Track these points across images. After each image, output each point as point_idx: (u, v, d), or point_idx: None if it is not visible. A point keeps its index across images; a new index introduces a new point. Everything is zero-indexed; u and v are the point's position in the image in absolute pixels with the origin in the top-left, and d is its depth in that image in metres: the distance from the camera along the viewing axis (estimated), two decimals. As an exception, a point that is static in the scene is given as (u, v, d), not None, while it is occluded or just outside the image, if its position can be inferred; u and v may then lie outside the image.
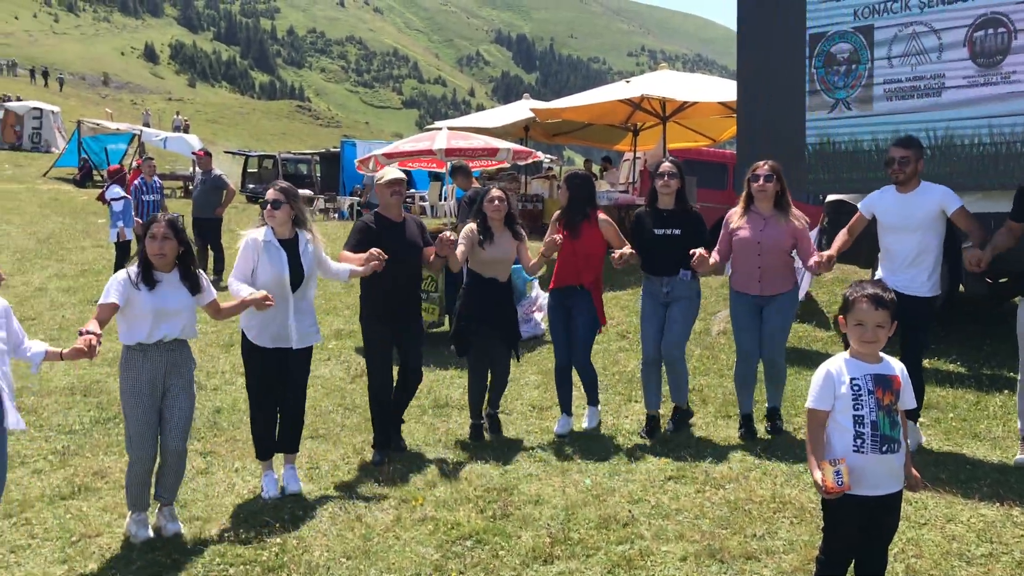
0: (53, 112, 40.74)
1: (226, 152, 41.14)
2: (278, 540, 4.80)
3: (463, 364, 8.57)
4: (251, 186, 30.95)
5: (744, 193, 6.34)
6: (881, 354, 3.58)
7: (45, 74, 75.58)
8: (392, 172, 6.24)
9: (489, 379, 6.68)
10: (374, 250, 5.73)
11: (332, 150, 31.32)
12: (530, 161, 12.74)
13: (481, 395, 6.62)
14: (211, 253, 13.21)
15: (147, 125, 45.68)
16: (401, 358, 6.33)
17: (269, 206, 5.39)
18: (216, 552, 4.68)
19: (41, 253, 15.54)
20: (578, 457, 6.05)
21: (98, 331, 4.38)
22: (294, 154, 33.85)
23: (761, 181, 6.16)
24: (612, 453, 6.10)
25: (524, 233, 6.67)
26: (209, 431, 6.82)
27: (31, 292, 12.41)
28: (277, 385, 5.54)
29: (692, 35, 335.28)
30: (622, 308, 10.57)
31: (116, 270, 10.83)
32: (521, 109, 17.11)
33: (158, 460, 4.92)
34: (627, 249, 6.32)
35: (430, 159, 11.15)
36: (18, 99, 46.40)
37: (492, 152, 10.36)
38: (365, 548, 4.70)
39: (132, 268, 4.77)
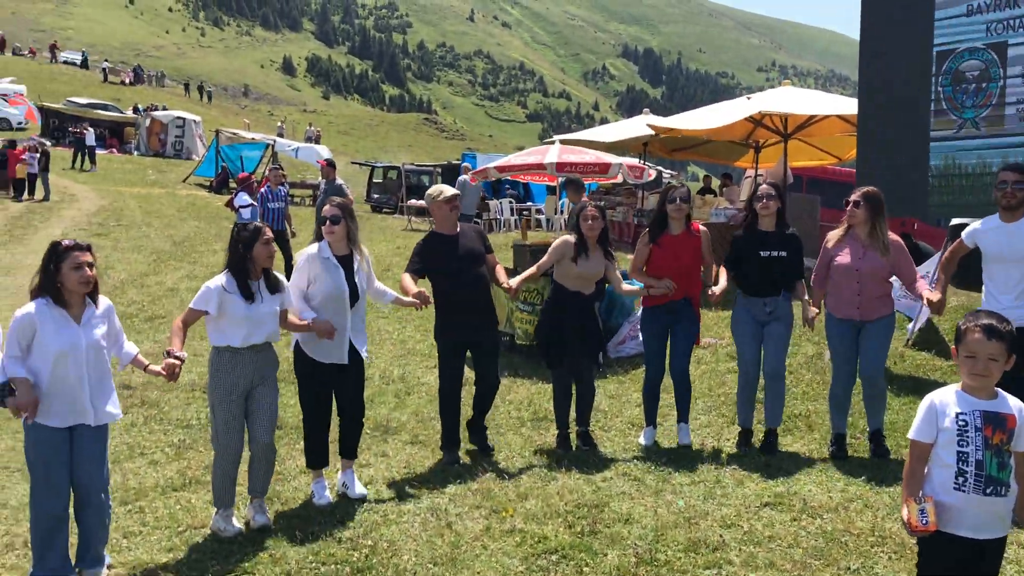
0: (195, 121, 42.94)
1: (353, 162, 42.44)
2: (369, 542, 4.92)
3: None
4: (375, 196, 31.82)
5: (844, 221, 6.30)
6: (998, 390, 3.38)
7: (200, 88, 79.77)
8: (450, 189, 6.35)
9: (575, 394, 6.67)
10: (422, 291, 5.83)
11: (453, 162, 31.87)
12: (646, 180, 12.65)
13: (565, 406, 6.62)
14: None
15: (281, 135, 47.57)
16: (476, 370, 6.47)
17: (328, 222, 5.50)
18: (311, 550, 4.83)
19: (175, 255, 16.37)
20: (673, 478, 5.97)
21: (182, 356, 4.69)
22: (417, 165, 34.58)
23: (851, 207, 6.15)
24: (709, 476, 5.99)
25: (613, 253, 6.65)
26: (298, 429, 6.99)
27: (163, 292, 13.09)
28: (330, 398, 5.68)
29: (825, 50, 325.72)
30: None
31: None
32: (639, 124, 17.02)
33: (245, 455, 5.17)
34: (718, 288, 6.39)
35: (541, 173, 11.19)
36: (164, 108, 49.04)
37: (604, 168, 10.34)
38: (452, 556, 4.76)
39: (223, 277, 4.99)
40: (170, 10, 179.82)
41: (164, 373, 4.65)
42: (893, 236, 6.22)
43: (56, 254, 4.40)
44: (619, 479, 5.95)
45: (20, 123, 42.71)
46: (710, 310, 11.11)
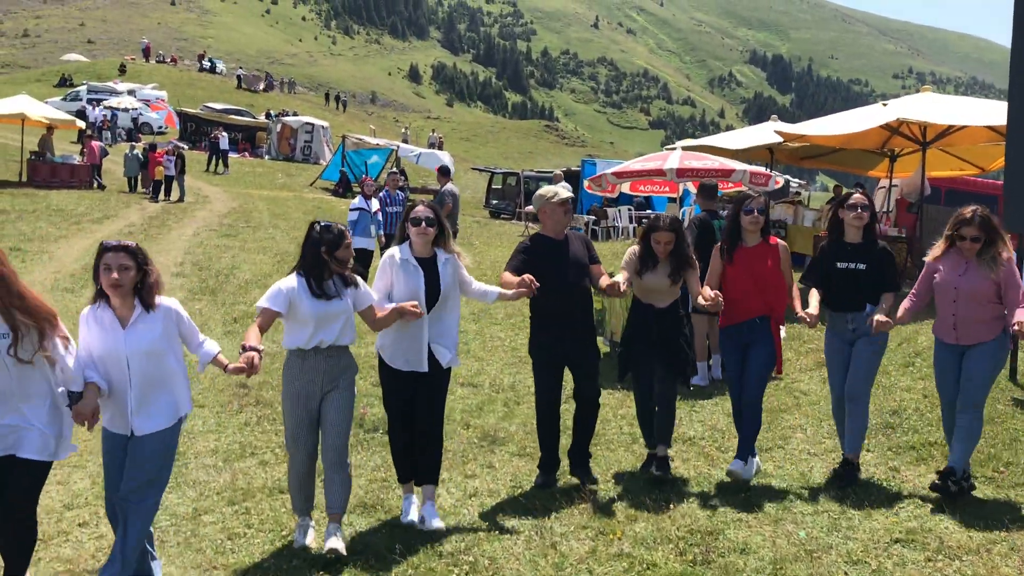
0: (323, 127, 44.23)
1: (473, 168, 42.85)
2: (470, 559, 4.76)
3: (680, 392, 8.26)
4: (494, 202, 31.96)
5: (946, 234, 5.82)
6: None
7: (337, 97, 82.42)
8: (564, 191, 6.00)
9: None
10: (527, 276, 5.39)
11: (573, 169, 31.68)
12: (772, 187, 12.14)
13: (648, 423, 6.21)
14: None
15: (405, 141, 48.44)
16: (576, 388, 6.05)
17: (423, 223, 5.22)
18: (410, 564, 4.71)
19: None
20: (795, 506, 5.59)
21: (260, 347, 4.54)
22: (536, 172, 34.55)
23: (974, 226, 5.60)
24: (834, 506, 5.58)
25: (695, 263, 6.08)
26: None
27: (284, 293, 13.36)
28: (411, 409, 5.37)
29: (967, 56, 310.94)
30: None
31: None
32: (766, 131, 16.44)
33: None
34: (812, 309, 5.90)
35: (661, 181, 10.86)
36: (295, 114, 50.70)
37: (727, 173, 9.93)
38: (555, 578, 4.55)
39: (294, 278, 4.82)
40: (304, 19, 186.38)
41: (244, 366, 4.47)
42: (1008, 254, 5.68)
43: (97, 254, 4.29)
44: (737, 505, 5.60)
45: (160, 127, 44.96)
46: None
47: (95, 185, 25.94)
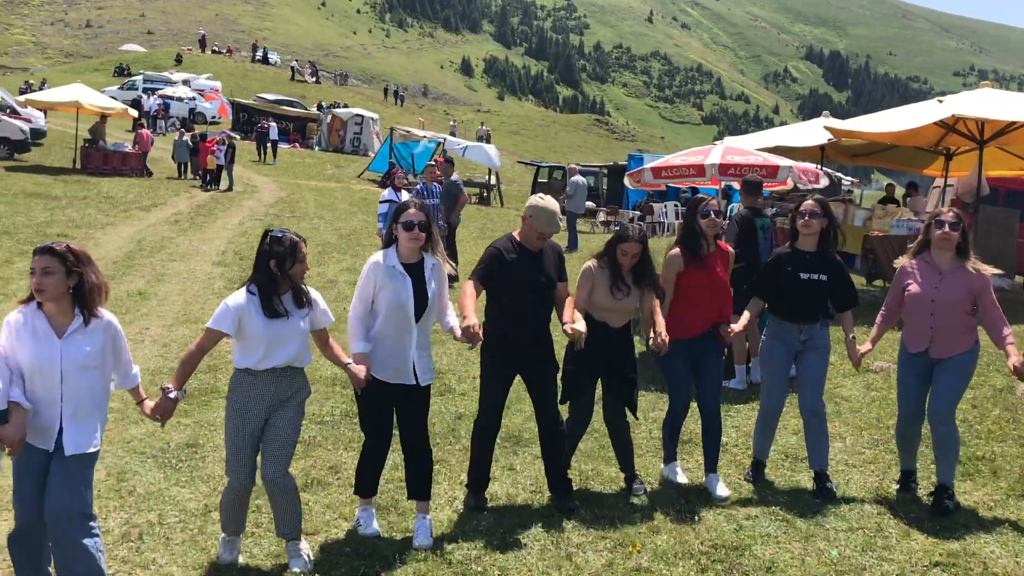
0: (372, 119, 44.36)
1: (519, 162, 42.64)
2: (480, 568, 4.58)
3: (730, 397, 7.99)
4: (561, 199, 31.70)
5: (919, 240, 5.65)
6: None
7: (396, 92, 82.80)
8: (552, 227, 5.28)
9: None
10: (475, 329, 4.83)
11: (620, 164, 31.32)
12: (822, 184, 11.73)
13: (573, 444, 5.85)
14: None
15: (453, 134, 48.41)
16: (536, 412, 5.52)
17: (416, 227, 4.83)
18: (417, 571, 4.54)
19: (340, 248, 16.70)
20: (828, 522, 5.31)
21: (178, 395, 4.28)
22: (582, 166, 34.20)
23: (946, 228, 5.43)
24: (870, 523, 5.30)
25: (659, 283, 5.64)
26: (445, 438, 6.76)
27: (323, 283, 13.30)
28: (390, 424, 5.06)
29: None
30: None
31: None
32: (816, 128, 15.97)
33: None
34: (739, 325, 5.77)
35: (700, 181, 10.51)
36: (345, 106, 50.94)
37: (772, 171, 9.58)
38: (567, 592, 4.34)
39: (243, 293, 4.43)
40: (358, 12, 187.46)
41: (155, 414, 4.23)
42: (984, 267, 5.51)
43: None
44: (765, 518, 5.35)
45: (213, 117, 45.49)
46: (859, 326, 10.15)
47: (145, 172, 26.30)
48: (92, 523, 3.99)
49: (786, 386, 5.96)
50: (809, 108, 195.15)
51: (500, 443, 6.44)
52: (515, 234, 5.42)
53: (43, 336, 3.88)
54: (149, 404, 4.27)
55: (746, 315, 5.94)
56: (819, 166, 16.09)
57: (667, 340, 5.38)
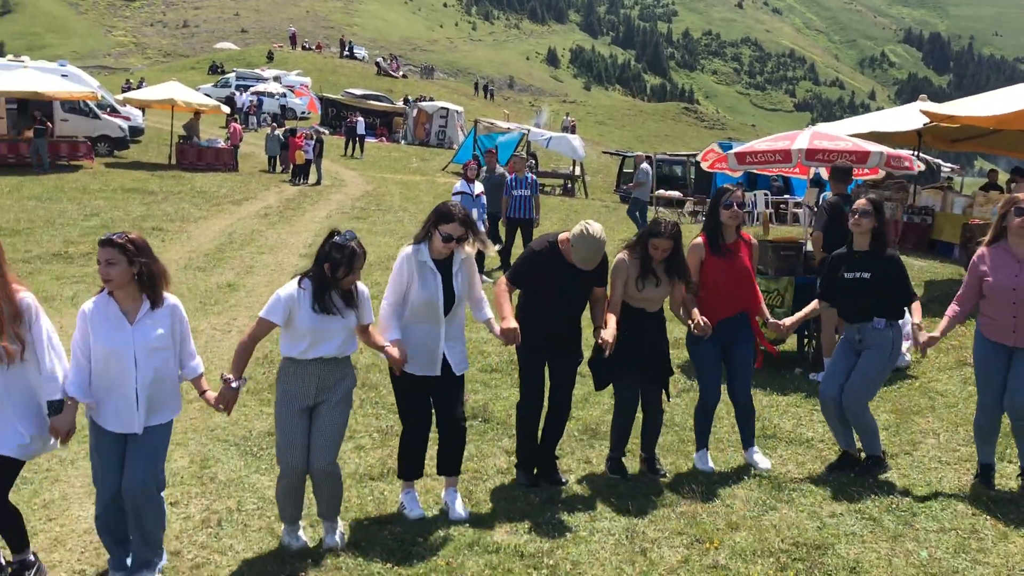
0: (457, 112, 44.60)
1: (604, 152, 42.31)
2: (551, 561, 4.51)
3: (804, 390, 7.75)
4: (625, 186, 31.36)
5: (993, 227, 5.48)
6: None
7: (486, 87, 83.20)
8: (590, 263, 5.30)
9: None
10: (515, 330, 5.08)
11: (708, 153, 30.76)
12: (916, 171, 11.26)
13: (622, 427, 5.82)
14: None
15: (538, 126, 48.35)
16: (552, 390, 5.63)
17: (453, 240, 4.90)
18: (489, 562, 4.49)
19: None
20: (918, 521, 5.07)
21: (238, 384, 4.38)
22: (669, 155, 33.75)
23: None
24: (963, 523, 5.04)
25: (690, 274, 5.67)
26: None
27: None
28: (427, 411, 5.13)
29: None
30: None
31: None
32: (912, 112, 15.35)
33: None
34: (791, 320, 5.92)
35: (786, 167, 10.16)
36: (430, 99, 51.37)
37: (862, 156, 9.21)
38: (640, 589, 4.24)
39: (296, 286, 4.50)
40: (445, 5, 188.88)
41: (218, 404, 4.35)
42: None
43: None
44: (851, 516, 5.14)
45: (303, 112, 46.43)
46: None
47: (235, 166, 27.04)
48: (161, 492, 4.34)
49: (842, 379, 5.78)
50: (907, 93, 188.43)
51: (577, 436, 6.39)
52: (560, 239, 5.42)
53: (115, 322, 4.09)
54: (211, 395, 4.38)
55: (805, 309, 6.03)
56: (915, 152, 15.49)
57: (708, 322, 5.53)
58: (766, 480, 5.72)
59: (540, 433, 5.73)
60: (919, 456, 6.19)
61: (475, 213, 13.21)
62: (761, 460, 5.97)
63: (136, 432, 4.16)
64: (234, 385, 4.37)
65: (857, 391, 5.72)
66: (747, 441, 6.05)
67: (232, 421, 6.76)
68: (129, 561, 4.30)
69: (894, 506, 5.27)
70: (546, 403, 5.67)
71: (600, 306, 5.57)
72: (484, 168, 14.34)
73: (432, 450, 5.29)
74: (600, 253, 5.26)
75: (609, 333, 5.30)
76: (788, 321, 5.89)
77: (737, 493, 5.49)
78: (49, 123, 24.05)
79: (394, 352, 4.81)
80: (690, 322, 5.62)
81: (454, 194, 13.18)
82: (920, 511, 5.21)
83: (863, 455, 5.88)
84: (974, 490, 5.54)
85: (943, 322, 5.63)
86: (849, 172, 8.78)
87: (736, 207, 5.74)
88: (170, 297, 4.25)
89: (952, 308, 5.64)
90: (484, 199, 13.34)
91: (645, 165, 20.30)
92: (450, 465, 5.24)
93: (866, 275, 5.69)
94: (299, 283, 4.51)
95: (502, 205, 13.64)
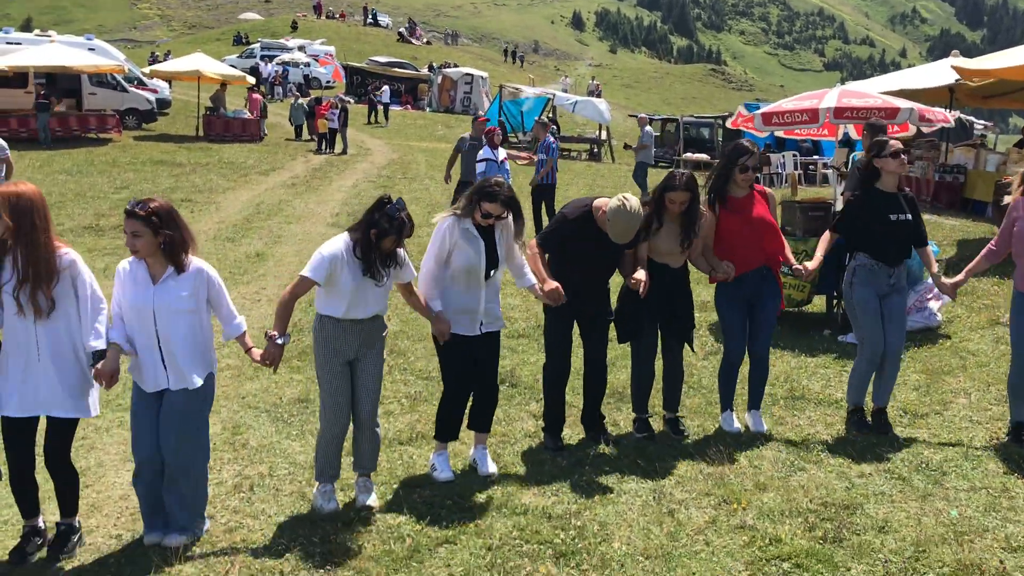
0: (482, 78, 44.39)
1: (630, 116, 41.89)
2: (579, 523, 4.54)
3: (834, 351, 7.70)
4: (652, 150, 31.10)
5: (1021, 175, 5.41)
6: None
7: (514, 52, 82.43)
8: (623, 238, 5.26)
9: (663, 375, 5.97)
10: (558, 290, 5.14)
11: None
12: (948, 123, 11.02)
13: (642, 388, 5.87)
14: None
15: (565, 90, 47.96)
16: (585, 349, 5.72)
17: (493, 218, 4.97)
18: (517, 524, 4.53)
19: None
20: (948, 480, 5.05)
21: (284, 340, 4.46)
22: (696, 118, 33.40)
23: None
24: (995, 481, 5.00)
25: (697, 228, 5.60)
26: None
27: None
28: (470, 370, 5.20)
29: None
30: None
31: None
32: (943, 69, 15.05)
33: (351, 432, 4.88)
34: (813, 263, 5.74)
35: (813, 127, 10.00)
36: (455, 66, 51.10)
37: (891, 113, 9.05)
38: (668, 549, 4.27)
39: (342, 246, 4.54)
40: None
41: (264, 361, 4.44)
42: None
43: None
44: (880, 476, 5.12)
45: (328, 82, 46.37)
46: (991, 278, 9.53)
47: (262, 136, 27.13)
48: (203, 462, 4.44)
49: (881, 328, 5.76)
50: (940, 50, 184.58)
51: (604, 399, 6.38)
52: (595, 206, 5.38)
53: (142, 282, 4.24)
54: (257, 352, 4.47)
55: (821, 246, 5.92)
56: (948, 110, 15.21)
57: (731, 264, 5.53)
58: (798, 441, 5.71)
59: (583, 393, 5.82)
60: (950, 416, 6.14)
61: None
62: (758, 423, 5.92)
63: (168, 388, 4.28)
64: (279, 341, 4.45)
65: (901, 337, 5.81)
66: (753, 402, 6.01)
67: (263, 388, 6.85)
68: (164, 524, 4.39)
69: (924, 466, 5.25)
70: (583, 365, 5.74)
71: (628, 262, 5.58)
72: (470, 134, 13.74)
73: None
74: (635, 229, 5.24)
75: (641, 274, 5.35)
76: (811, 264, 5.74)
77: (765, 454, 5.49)
78: (53, 99, 23.93)
79: (442, 322, 4.96)
80: (711, 275, 5.67)
81: (478, 161, 13.12)
82: (950, 470, 5.19)
83: (874, 409, 5.94)
84: (1006, 449, 5.49)
85: (972, 262, 5.65)
86: (882, 129, 8.62)
87: (751, 171, 5.66)
88: (197, 262, 4.33)
89: (985, 250, 5.62)
90: (508, 165, 13.28)
91: (648, 128, 20.22)
92: (482, 422, 5.33)
93: (908, 216, 5.66)
94: (346, 240, 4.56)
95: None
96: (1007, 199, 5.62)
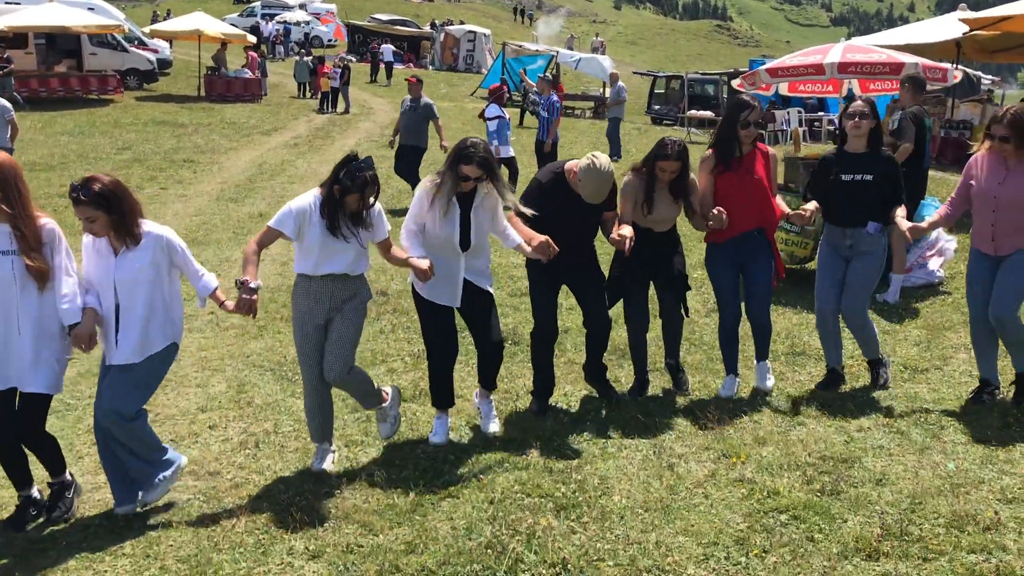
0: (485, 35, 43.97)
1: (635, 73, 41.56)
2: (580, 477, 4.60)
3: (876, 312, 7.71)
4: (656, 107, 30.93)
5: (983, 135, 5.35)
6: None
7: (522, 11, 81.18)
8: (597, 198, 5.16)
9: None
10: (547, 240, 4.90)
11: (741, 71, 30.12)
12: (952, 82, 10.95)
13: (641, 352, 5.86)
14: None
15: (570, 47, 47.49)
16: (584, 319, 5.65)
17: (471, 180, 4.77)
18: (518, 479, 4.59)
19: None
20: (946, 434, 5.09)
21: (256, 285, 4.31)
22: (701, 74, 33.12)
23: (1003, 124, 5.12)
24: (993, 435, 5.04)
25: (694, 200, 5.55)
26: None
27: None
28: (452, 338, 5.12)
29: None
30: None
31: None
32: (950, 22, 14.88)
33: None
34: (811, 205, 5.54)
35: (820, 81, 9.94)
36: (461, 23, 50.58)
37: (896, 68, 8.97)
38: (667, 502, 4.33)
39: (311, 199, 4.48)
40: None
41: (240, 311, 4.31)
42: None
43: None
44: (879, 430, 5.16)
45: (330, 40, 45.98)
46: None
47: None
48: (134, 420, 4.24)
49: (836, 290, 5.73)
50: (948, 3, 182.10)
51: (606, 357, 6.42)
52: (567, 168, 5.30)
53: (104, 254, 4.19)
54: (230, 304, 4.38)
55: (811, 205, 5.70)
56: (955, 64, 15.07)
57: (722, 210, 5.36)
58: (799, 395, 5.76)
59: (586, 352, 5.79)
60: (949, 371, 6.18)
61: (508, 137, 13.18)
62: (766, 379, 5.91)
63: (115, 363, 4.23)
64: (251, 285, 4.31)
65: (859, 304, 5.72)
66: (760, 353, 5.95)
67: (267, 347, 6.91)
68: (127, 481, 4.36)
69: (922, 420, 5.29)
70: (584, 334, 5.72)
71: (611, 224, 5.48)
72: (409, 97, 12.92)
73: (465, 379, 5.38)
74: (608, 187, 5.17)
75: (626, 230, 5.23)
76: (810, 206, 5.55)
77: (764, 409, 5.53)
78: (13, 64, 22.02)
79: (419, 264, 4.75)
80: (707, 223, 5.52)
81: (490, 118, 13.06)
82: (948, 424, 5.23)
83: (871, 362, 5.95)
84: (1003, 404, 5.53)
85: (933, 215, 5.67)
86: (924, 84, 8.45)
87: (753, 127, 5.53)
88: (155, 228, 4.26)
89: (943, 208, 5.59)
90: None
91: (621, 84, 20.15)
92: (486, 379, 5.34)
93: (868, 176, 5.53)
94: (316, 194, 4.51)
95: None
96: (976, 155, 5.48)
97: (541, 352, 5.58)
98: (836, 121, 8.90)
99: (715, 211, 5.38)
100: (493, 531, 4.07)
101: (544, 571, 3.76)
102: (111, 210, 4.06)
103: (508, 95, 13.70)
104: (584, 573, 3.75)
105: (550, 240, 4.95)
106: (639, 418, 5.41)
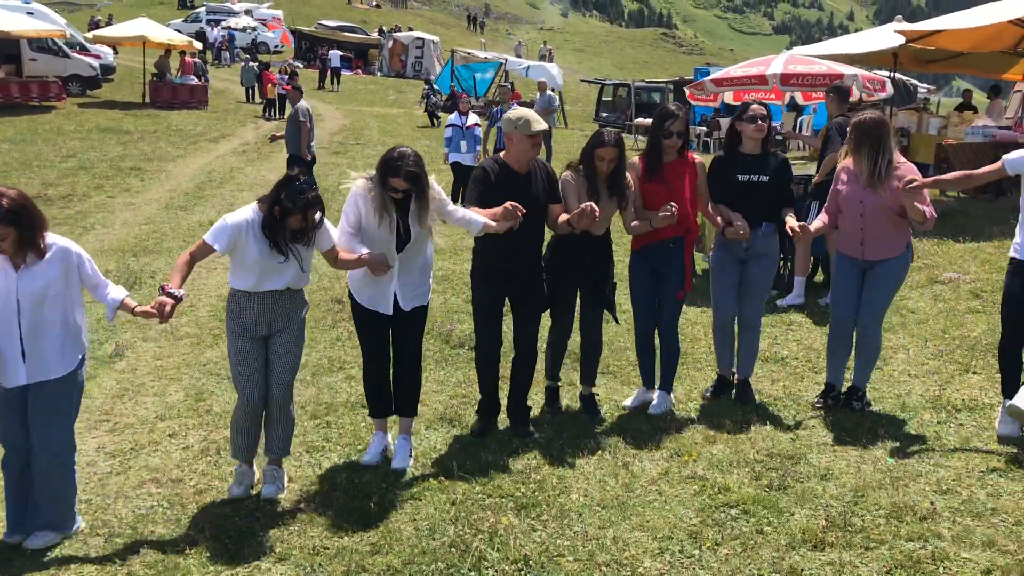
0: (434, 42, 44.04)
1: (583, 80, 41.97)
2: (538, 477, 4.74)
3: (776, 311, 7.96)
4: (604, 114, 31.25)
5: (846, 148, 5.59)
6: None
7: (474, 19, 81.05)
8: (538, 122, 5.09)
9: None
10: (510, 204, 4.80)
11: (686, 79, 30.61)
12: (887, 93, 11.34)
13: (559, 356, 5.77)
14: None
15: (518, 55, 47.74)
16: (515, 327, 5.48)
17: (401, 193, 4.58)
18: (479, 481, 4.71)
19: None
20: (888, 431, 5.33)
21: (179, 294, 4.11)
22: (647, 82, 33.56)
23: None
24: (930, 430, 5.30)
25: (630, 195, 5.48)
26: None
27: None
28: (385, 346, 5.00)
29: None
30: (982, 263, 9.21)
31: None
32: (887, 33, 15.36)
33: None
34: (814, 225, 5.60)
35: (762, 89, 10.24)
36: (410, 29, 50.56)
37: (835, 79, 9.30)
38: (623, 499, 4.49)
39: (250, 215, 4.34)
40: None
41: (154, 313, 4.03)
42: (908, 164, 5.40)
43: None
44: (822, 428, 5.40)
45: (276, 46, 45.65)
46: (958, 242, 9.98)
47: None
48: (67, 456, 4.17)
49: (734, 292, 5.80)
50: (886, 13, 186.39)
51: (565, 360, 6.55)
52: (502, 155, 5.28)
53: (3, 272, 3.97)
54: (143, 307, 4.16)
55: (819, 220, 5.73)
56: (891, 73, 15.56)
57: (673, 210, 5.27)
58: (584, 408, 5.82)
59: (510, 379, 5.57)
60: (889, 371, 6.44)
61: (465, 145, 13.25)
62: (659, 405, 5.73)
63: (20, 383, 4.04)
64: (172, 291, 4.09)
65: (759, 306, 5.87)
66: (664, 381, 5.82)
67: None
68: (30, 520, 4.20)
69: (864, 418, 5.53)
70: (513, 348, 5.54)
71: (554, 217, 5.34)
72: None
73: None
74: (524, 123, 5.03)
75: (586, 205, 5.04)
76: (813, 227, 5.53)
77: (713, 410, 5.73)
78: None
79: (374, 258, 4.57)
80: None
81: (448, 126, 13.25)
82: (889, 422, 5.47)
83: (738, 380, 5.97)
84: (938, 401, 5.79)
85: (816, 222, 5.64)
86: (848, 93, 8.75)
87: (676, 137, 5.51)
88: (60, 241, 4.09)
89: (823, 215, 5.66)
90: (477, 131, 13.41)
91: (549, 93, 20.49)
92: (401, 404, 5.09)
93: (764, 178, 5.62)
94: (255, 209, 4.38)
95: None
96: (840, 165, 5.64)
97: (484, 369, 5.47)
98: (780, 129, 9.16)
99: (669, 204, 5.28)
100: (456, 531, 4.18)
101: (507, 568, 3.89)
102: (21, 226, 3.87)
103: (469, 103, 13.86)
104: (545, 569, 3.89)
105: (513, 203, 4.84)
106: (598, 419, 5.57)
